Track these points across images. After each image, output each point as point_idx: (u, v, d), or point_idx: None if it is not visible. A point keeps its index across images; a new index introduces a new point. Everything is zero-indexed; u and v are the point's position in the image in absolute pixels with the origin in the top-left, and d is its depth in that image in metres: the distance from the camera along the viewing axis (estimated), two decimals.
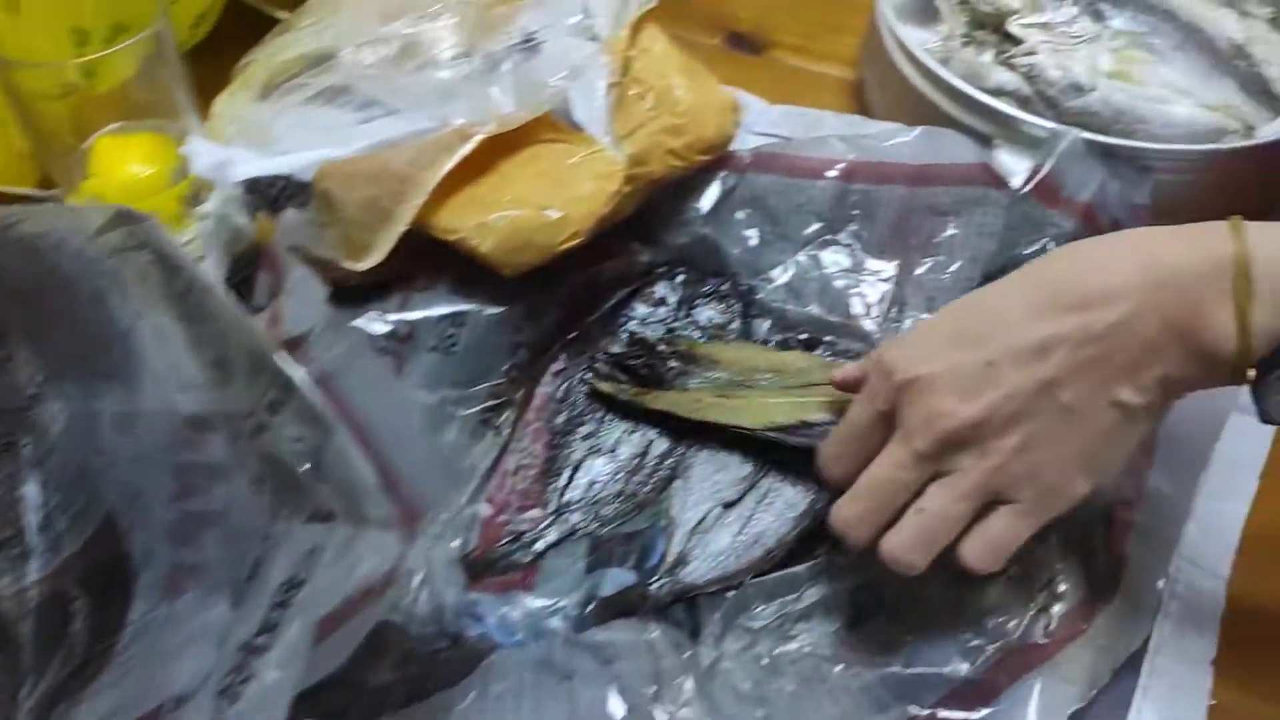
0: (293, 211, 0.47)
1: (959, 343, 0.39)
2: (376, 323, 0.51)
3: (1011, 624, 0.43)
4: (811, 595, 0.45)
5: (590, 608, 0.45)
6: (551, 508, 0.50)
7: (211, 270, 0.49)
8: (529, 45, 0.55)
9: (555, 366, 0.55)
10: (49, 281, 0.39)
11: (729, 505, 0.49)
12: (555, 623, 0.45)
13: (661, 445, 0.52)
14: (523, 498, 0.51)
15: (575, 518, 0.50)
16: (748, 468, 0.51)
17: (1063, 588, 0.44)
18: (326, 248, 0.51)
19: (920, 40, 0.68)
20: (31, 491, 0.45)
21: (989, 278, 0.54)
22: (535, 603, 0.46)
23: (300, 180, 0.53)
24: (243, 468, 0.36)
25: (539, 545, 0.49)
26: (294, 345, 0.39)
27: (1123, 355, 0.36)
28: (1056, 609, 0.44)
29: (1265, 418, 0.36)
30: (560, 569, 0.48)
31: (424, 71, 0.53)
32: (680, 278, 0.58)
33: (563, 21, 0.57)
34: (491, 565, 0.48)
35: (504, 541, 0.49)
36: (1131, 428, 0.38)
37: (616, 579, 0.47)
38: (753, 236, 0.59)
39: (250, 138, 0.52)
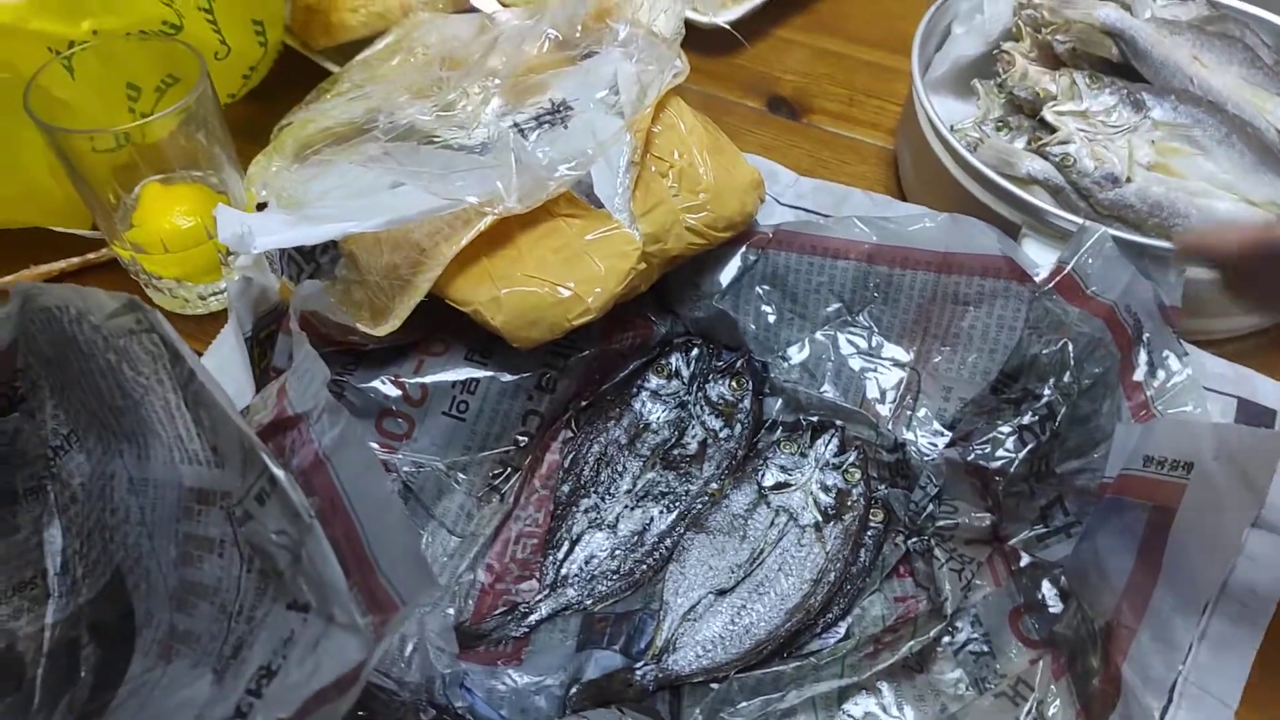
0: (309, 282, 0.48)
1: None
2: (390, 386, 0.52)
3: None
4: (795, 696, 0.45)
5: (574, 690, 0.46)
6: (549, 580, 0.51)
7: (235, 329, 0.51)
8: (557, 117, 0.56)
9: (564, 434, 0.56)
10: (69, 349, 0.41)
11: (722, 593, 0.49)
12: (540, 701, 0.46)
13: (662, 524, 0.53)
14: (522, 567, 0.52)
15: (571, 592, 0.50)
16: (744, 554, 0.51)
17: (1052, 710, 0.43)
18: (349, 310, 0.53)
19: (958, 114, 0.68)
20: (54, 536, 0.47)
21: (1007, 375, 0.54)
22: (523, 679, 0.47)
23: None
24: (234, 546, 0.37)
25: (532, 618, 0.49)
26: (294, 423, 0.40)
27: None
28: None
29: None
30: (551, 644, 0.48)
31: (454, 140, 0.54)
32: (695, 351, 0.58)
33: (592, 95, 0.57)
34: (484, 636, 0.49)
35: (499, 611, 0.50)
36: None
37: (604, 661, 0.47)
38: (770, 313, 0.59)
39: (281, 202, 0.53)
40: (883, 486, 0.54)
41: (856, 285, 0.58)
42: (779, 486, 0.54)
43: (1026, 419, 0.51)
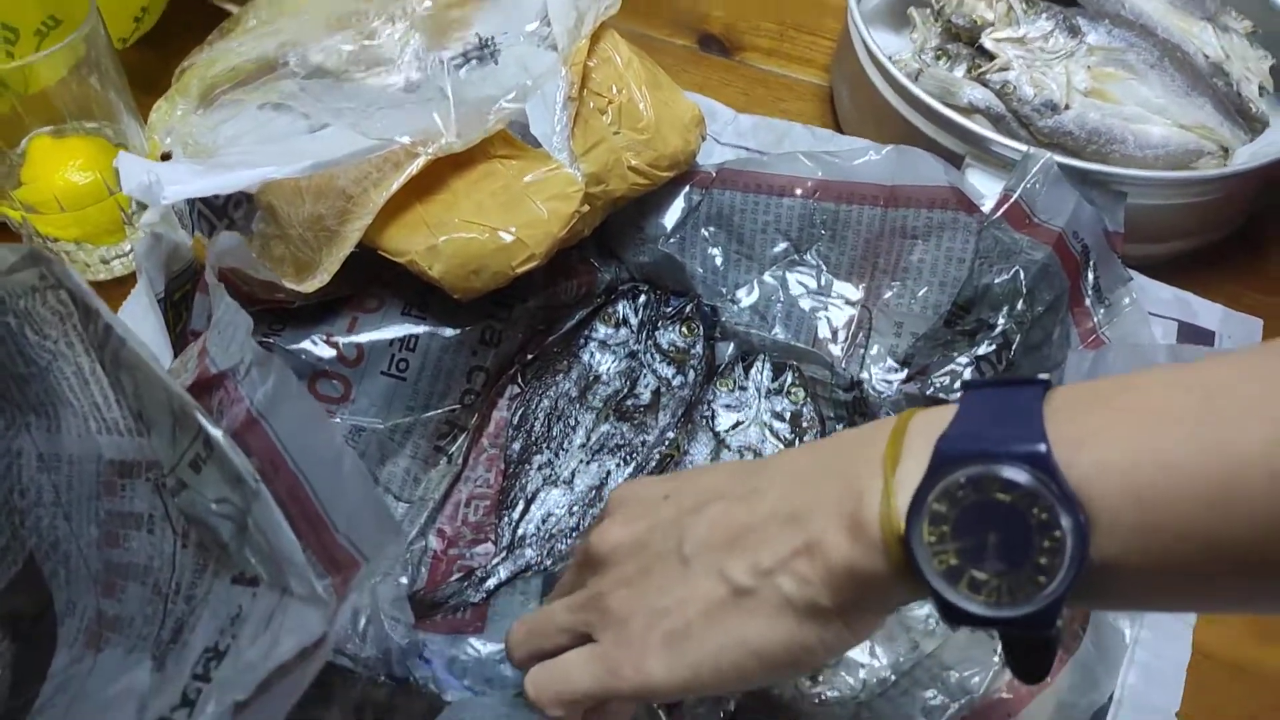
0: (226, 234, 0.44)
1: (667, 481, 0.37)
2: (323, 346, 0.49)
3: (974, 680, 0.42)
4: None
5: None
6: (504, 542, 0.48)
7: (146, 289, 0.46)
8: (485, 52, 0.53)
9: (512, 390, 0.54)
10: None
11: None
12: (506, 670, 0.44)
13: (619, 477, 0.51)
14: (475, 530, 0.49)
15: (529, 553, 0.48)
16: None
17: None
18: (271, 267, 0.49)
19: (893, 48, 0.66)
20: None
21: (960, 306, 0.53)
22: (486, 647, 0.44)
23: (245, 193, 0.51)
24: (166, 520, 0.34)
25: (490, 582, 0.47)
26: (219, 382, 0.36)
27: (757, 533, 0.31)
28: None
29: (945, 613, 0.28)
30: (513, 609, 0.46)
31: (374, 80, 0.50)
32: (642, 298, 0.56)
33: (521, 28, 0.54)
34: (441, 604, 0.46)
35: (454, 578, 0.47)
36: (740, 619, 0.30)
37: None
38: (718, 255, 0.57)
39: (188, 150, 0.49)
40: (840, 425, 0.53)
41: (803, 223, 0.56)
42: (733, 427, 0.52)
43: (982, 349, 0.50)
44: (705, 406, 0.53)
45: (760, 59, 0.73)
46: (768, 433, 0.52)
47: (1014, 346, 0.50)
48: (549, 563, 0.48)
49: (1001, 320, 0.51)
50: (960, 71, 0.60)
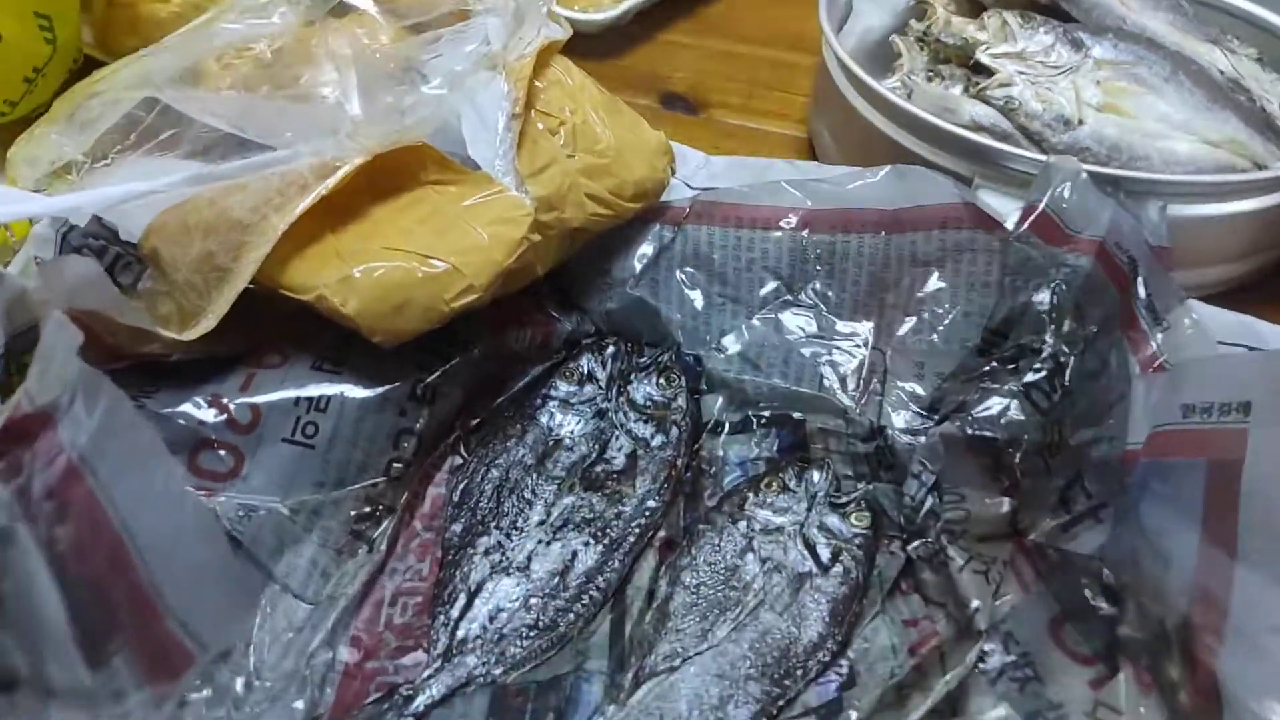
0: (77, 259, 0.35)
1: None
2: (207, 409, 0.39)
3: None
4: None
5: None
6: (440, 647, 0.37)
7: None
8: (414, 74, 0.45)
9: (453, 461, 0.43)
10: None
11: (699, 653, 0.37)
12: None
13: (589, 559, 0.40)
14: (402, 635, 0.38)
15: (472, 660, 0.36)
16: (715, 589, 0.38)
17: None
18: (153, 318, 0.40)
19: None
20: None
21: (994, 332, 0.44)
22: None
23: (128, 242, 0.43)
24: None
25: (420, 702, 0.35)
26: (34, 427, 0.27)
27: None
28: None
29: None
30: None
31: (281, 94, 0.42)
32: (610, 349, 0.47)
33: (460, 50, 0.47)
34: None
35: (371, 700, 0.35)
36: None
37: None
38: (697, 299, 0.48)
39: (54, 184, 0.41)
40: (860, 484, 0.43)
41: (794, 259, 0.48)
42: (769, 532, 0.41)
43: (1030, 376, 0.41)
44: (738, 497, 0.42)
45: (730, 114, 0.67)
46: (808, 555, 0.41)
47: (1068, 372, 0.41)
48: (498, 672, 0.36)
49: (1048, 342, 0.42)
50: (957, 90, 0.54)
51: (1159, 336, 0.44)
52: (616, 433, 0.44)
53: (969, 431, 0.40)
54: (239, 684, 0.34)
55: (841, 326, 0.48)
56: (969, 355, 0.44)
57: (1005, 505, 0.39)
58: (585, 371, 0.46)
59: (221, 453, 0.38)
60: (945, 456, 0.40)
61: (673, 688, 0.36)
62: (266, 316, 0.42)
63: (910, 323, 0.47)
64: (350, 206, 0.41)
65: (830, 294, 0.48)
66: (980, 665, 0.37)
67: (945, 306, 0.46)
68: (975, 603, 0.37)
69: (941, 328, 0.46)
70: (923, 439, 0.42)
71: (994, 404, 0.40)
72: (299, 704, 0.34)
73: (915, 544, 0.40)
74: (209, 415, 0.38)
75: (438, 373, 0.42)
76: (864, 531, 0.41)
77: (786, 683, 0.36)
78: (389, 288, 0.39)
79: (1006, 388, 0.41)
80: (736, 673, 0.36)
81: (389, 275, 0.39)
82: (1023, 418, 0.40)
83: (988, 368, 0.43)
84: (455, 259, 0.40)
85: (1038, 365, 0.41)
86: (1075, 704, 0.36)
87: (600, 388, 0.46)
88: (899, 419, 0.45)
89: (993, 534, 0.40)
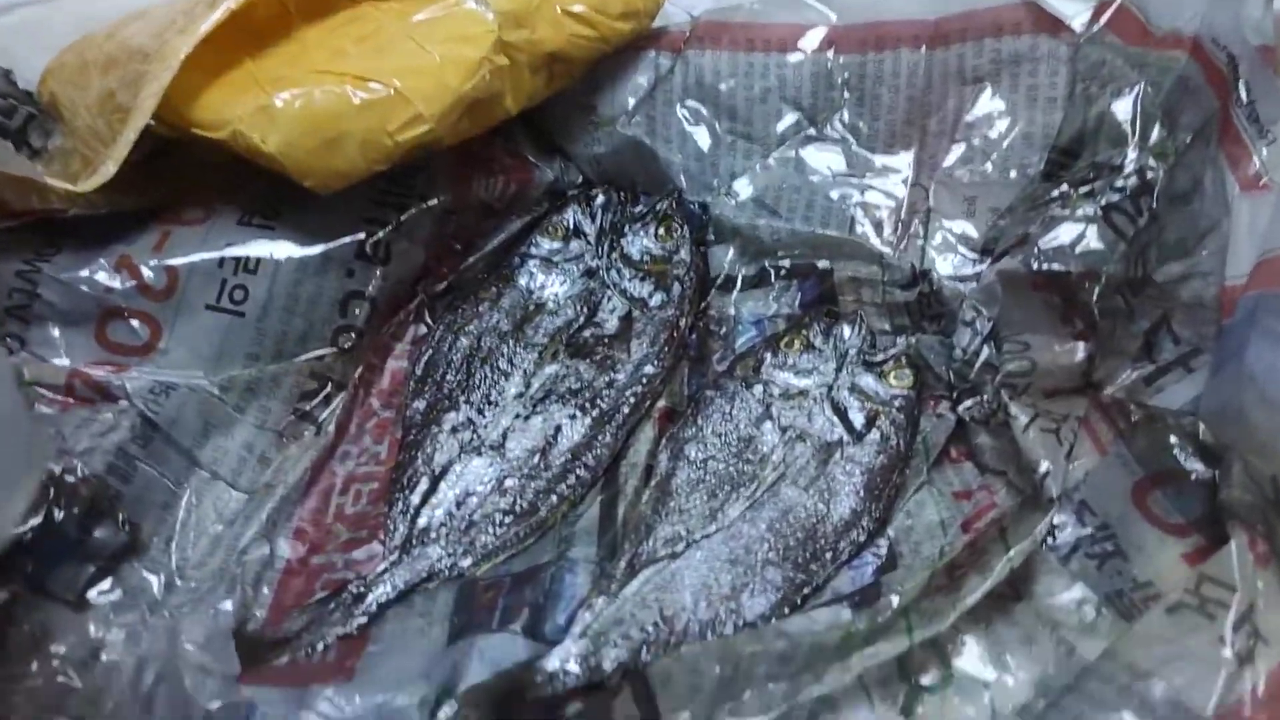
0: None
1: None
2: (116, 273, 0.33)
3: (1195, 691, 0.24)
4: (837, 675, 0.26)
5: (447, 707, 0.26)
6: (398, 538, 0.31)
7: None
8: None
9: (415, 331, 0.37)
10: None
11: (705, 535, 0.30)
12: None
13: (575, 433, 0.34)
14: (354, 526, 0.32)
15: (434, 552, 0.31)
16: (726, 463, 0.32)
17: (1271, 616, 0.25)
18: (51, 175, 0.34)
19: None
20: None
21: (1062, 151, 0.36)
22: (354, 702, 0.27)
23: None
24: None
25: (371, 600, 0.29)
26: None
27: None
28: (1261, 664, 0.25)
29: None
30: (404, 640, 0.29)
31: None
32: (600, 199, 0.40)
33: None
34: (289, 640, 0.29)
35: (317, 599, 0.30)
36: None
37: (495, 652, 0.27)
38: (701, 137, 0.41)
39: None
40: (900, 338, 0.36)
41: (818, 85, 0.41)
42: (790, 396, 0.34)
43: (1109, 197, 0.33)
44: (753, 359, 0.35)
45: None
46: (837, 421, 0.34)
47: (1155, 191, 0.33)
48: (465, 564, 0.30)
49: (1131, 157, 0.34)
50: None
51: (1263, 150, 0.36)
52: (608, 293, 0.38)
53: (1034, 266, 0.32)
54: (156, 584, 0.29)
55: (876, 163, 0.40)
56: (1032, 183, 0.37)
57: (1079, 352, 0.32)
58: (571, 225, 0.39)
59: (134, 323, 0.33)
60: (1004, 298, 0.33)
61: (675, 576, 0.30)
62: (189, 167, 0.36)
63: (958, 151, 0.39)
64: (273, 28, 0.35)
65: (861, 125, 0.41)
66: (1049, 541, 0.31)
67: (1001, 128, 0.39)
68: (1045, 465, 0.30)
69: (996, 154, 0.39)
70: (975, 282, 0.35)
71: (1064, 232, 0.33)
72: (227, 604, 0.28)
73: (968, 403, 0.33)
74: (117, 280, 0.33)
75: (391, 226, 0.35)
76: (905, 392, 0.34)
77: (813, 567, 0.30)
78: (318, 118, 0.32)
79: (1080, 212, 0.33)
80: (752, 557, 0.30)
81: (318, 103, 0.32)
82: (1101, 246, 0.32)
83: (1056, 193, 0.35)
84: (400, 82, 0.33)
85: (1119, 183, 0.33)
86: (1168, 580, 0.29)
87: (589, 243, 0.39)
88: (945, 265, 0.37)
89: (1063, 388, 0.33)
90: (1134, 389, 0.34)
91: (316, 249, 0.35)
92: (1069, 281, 0.32)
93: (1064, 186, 0.35)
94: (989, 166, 0.39)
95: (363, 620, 0.29)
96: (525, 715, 0.25)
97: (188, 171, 0.35)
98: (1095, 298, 0.32)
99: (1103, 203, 0.33)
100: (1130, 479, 0.32)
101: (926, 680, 0.28)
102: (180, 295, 0.33)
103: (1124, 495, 0.32)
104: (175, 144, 0.34)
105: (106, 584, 0.28)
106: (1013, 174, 0.38)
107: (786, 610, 0.29)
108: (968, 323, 0.34)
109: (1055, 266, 0.32)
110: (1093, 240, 0.32)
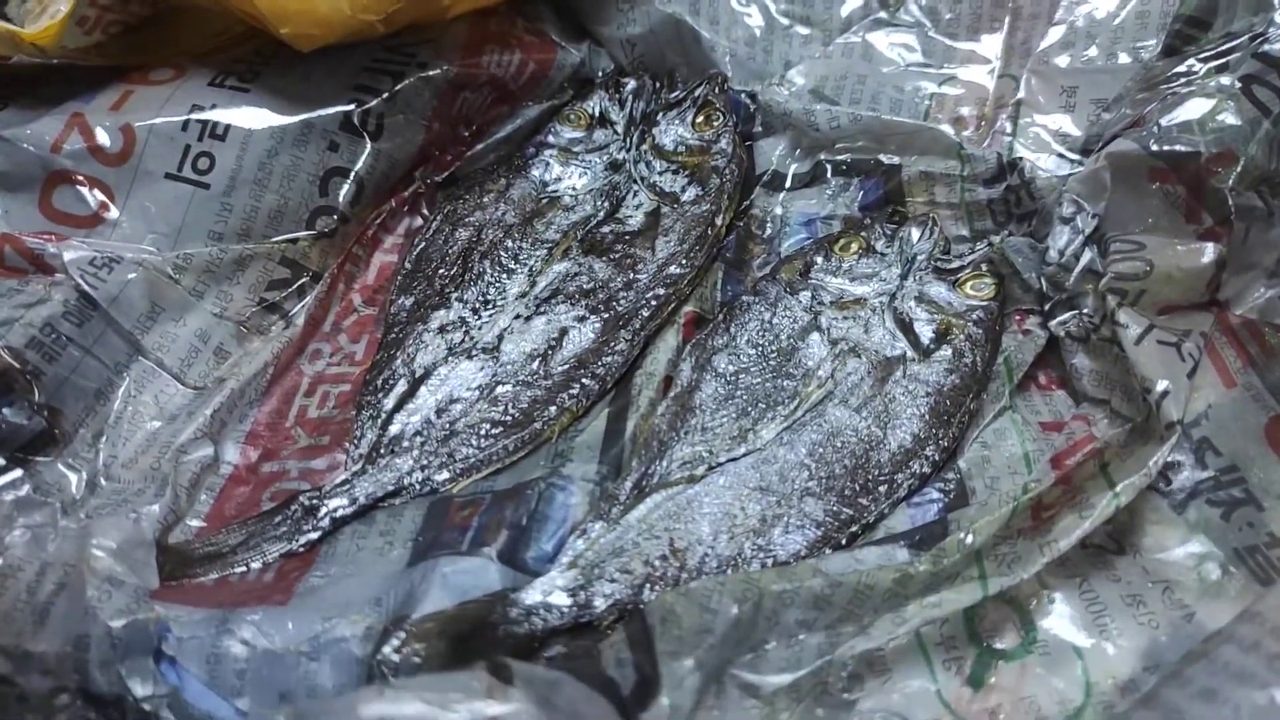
0: None
1: None
2: (65, 132, 0.28)
3: None
4: (887, 627, 0.21)
5: (396, 639, 0.21)
6: (363, 446, 0.26)
7: None
8: None
9: (410, 223, 0.32)
10: None
11: (733, 458, 0.25)
12: (321, 671, 0.21)
13: (583, 337, 0.28)
14: (317, 432, 0.27)
15: (405, 464, 0.26)
16: (762, 377, 0.26)
17: None
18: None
19: None
20: None
21: (1191, 19, 0.30)
22: (285, 630, 0.22)
23: None
24: None
25: (325, 515, 0.25)
26: None
27: None
28: None
29: None
30: (357, 562, 0.24)
31: None
32: (631, 85, 0.34)
33: None
34: (225, 556, 0.24)
35: (263, 511, 0.25)
36: None
37: (461, 577, 0.22)
38: (753, 19, 0.35)
39: None
40: (979, 246, 0.30)
41: None
42: (843, 305, 0.29)
43: (1250, 66, 0.27)
44: (800, 262, 0.30)
45: None
46: (900, 334, 0.28)
47: None
48: (441, 478, 0.25)
49: (1277, 22, 0.27)
50: None
51: None
52: (635, 188, 0.32)
53: (1154, 148, 0.26)
54: (76, 482, 0.25)
55: (957, 51, 0.34)
56: (1152, 60, 0.30)
57: (1207, 253, 0.26)
58: (596, 113, 0.34)
59: (84, 189, 0.28)
60: (1114, 189, 0.27)
61: (691, 503, 0.24)
62: (188, 35, 0.32)
63: (1057, 34, 0.33)
64: None
65: (940, 6, 0.35)
66: (1162, 485, 0.24)
67: (1110, 5, 0.32)
68: (1163, 384, 0.24)
69: (1103, 36, 0.33)
70: (1077, 172, 0.29)
71: (1192, 107, 0.27)
72: (153, 508, 0.24)
73: (1063, 317, 0.27)
74: (67, 139, 0.28)
75: (385, 95, 0.30)
76: (985, 303, 0.28)
77: (862, 501, 0.24)
78: None
79: (1213, 84, 0.27)
80: (787, 486, 0.25)
81: None
82: (1239, 122, 0.26)
83: (1179, 69, 0.29)
84: None
85: (1262, 50, 0.27)
86: None
87: (615, 133, 0.34)
88: (1039, 161, 0.31)
89: (1182, 303, 0.27)
90: (1269, 309, 0.27)
91: (296, 116, 0.30)
92: (1197, 166, 0.26)
93: (1190, 62, 0.29)
94: (1094, 50, 0.32)
95: (312, 536, 0.24)
96: (492, 655, 0.20)
97: (166, 31, 0.31)
98: (1229, 185, 0.26)
99: (1241, 73, 0.27)
100: (1264, 415, 0.26)
101: (1002, 643, 0.22)
102: (137, 160, 0.28)
103: (1256, 433, 0.26)
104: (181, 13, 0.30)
105: (14, 475, 0.24)
106: (1123, 58, 0.32)
107: (827, 551, 0.24)
108: (1066, 219, 0.28)
109: (1180, 147, 0.26)
110: (1229, 116, 0.26)
